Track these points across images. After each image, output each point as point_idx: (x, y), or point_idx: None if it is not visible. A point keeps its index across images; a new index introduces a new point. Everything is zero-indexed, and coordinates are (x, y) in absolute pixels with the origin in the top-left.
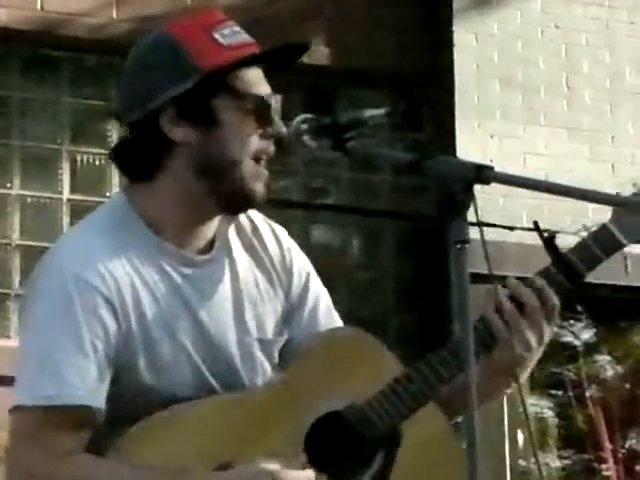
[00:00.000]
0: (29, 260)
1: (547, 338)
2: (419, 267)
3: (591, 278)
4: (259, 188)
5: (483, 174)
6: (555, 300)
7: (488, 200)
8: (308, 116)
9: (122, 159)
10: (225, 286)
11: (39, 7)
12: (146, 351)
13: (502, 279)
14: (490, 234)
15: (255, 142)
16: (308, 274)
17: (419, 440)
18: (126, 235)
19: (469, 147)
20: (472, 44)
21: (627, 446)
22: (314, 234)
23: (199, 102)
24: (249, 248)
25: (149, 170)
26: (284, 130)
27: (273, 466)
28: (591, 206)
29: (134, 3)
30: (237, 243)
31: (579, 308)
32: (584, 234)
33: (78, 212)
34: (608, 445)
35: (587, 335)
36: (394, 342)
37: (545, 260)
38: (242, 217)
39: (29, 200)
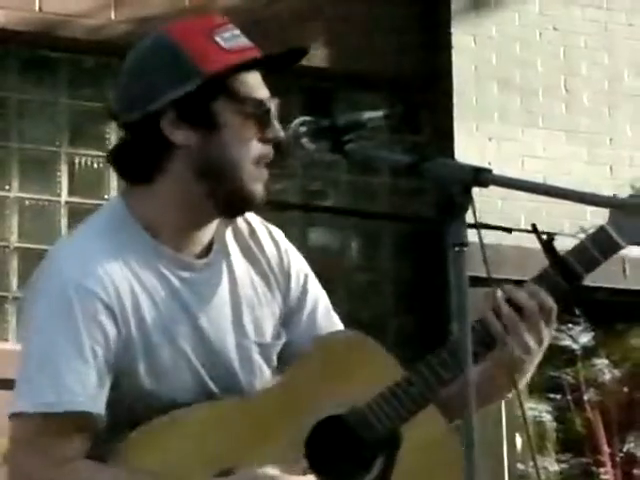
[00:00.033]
0: (27, 262)
1: (547, 341)
2: (418, 269)
3: (589, 281)
4: (258, 189)
5: (481, 177)
6: (551, 302)
7: (486, 203)
8: (306, 118)
9: (121, 162)
10: (223, 290)
11: (37, 8)
12: (146, 356)
13: (500, 282)
14: (488, 237)
15: (255, 147)
16: (306, 276)
17: (419, 443)
18: (124, 239)
19: (467, 149)
20: (470, 46)
21: (625, 450)
22: (312, 236)
23: (200, 105)
24: (247, 251)
25: (148, 172)
26: (283, 134)
27: (274, 471)
28: (589, 208)
29: (132, 4)
30: (234, 246)
31: (577, 311)
32: (582, 236)
33: (76, 214)
34: (606, 449)
35: (585, 339)
36: (393, 344)
37: (543, 262)
38: (239, 220)
39: (27, 202)
